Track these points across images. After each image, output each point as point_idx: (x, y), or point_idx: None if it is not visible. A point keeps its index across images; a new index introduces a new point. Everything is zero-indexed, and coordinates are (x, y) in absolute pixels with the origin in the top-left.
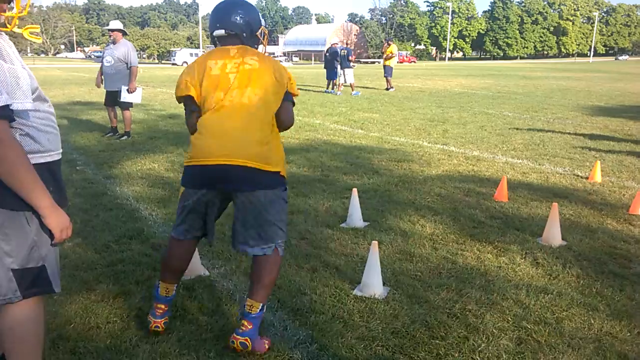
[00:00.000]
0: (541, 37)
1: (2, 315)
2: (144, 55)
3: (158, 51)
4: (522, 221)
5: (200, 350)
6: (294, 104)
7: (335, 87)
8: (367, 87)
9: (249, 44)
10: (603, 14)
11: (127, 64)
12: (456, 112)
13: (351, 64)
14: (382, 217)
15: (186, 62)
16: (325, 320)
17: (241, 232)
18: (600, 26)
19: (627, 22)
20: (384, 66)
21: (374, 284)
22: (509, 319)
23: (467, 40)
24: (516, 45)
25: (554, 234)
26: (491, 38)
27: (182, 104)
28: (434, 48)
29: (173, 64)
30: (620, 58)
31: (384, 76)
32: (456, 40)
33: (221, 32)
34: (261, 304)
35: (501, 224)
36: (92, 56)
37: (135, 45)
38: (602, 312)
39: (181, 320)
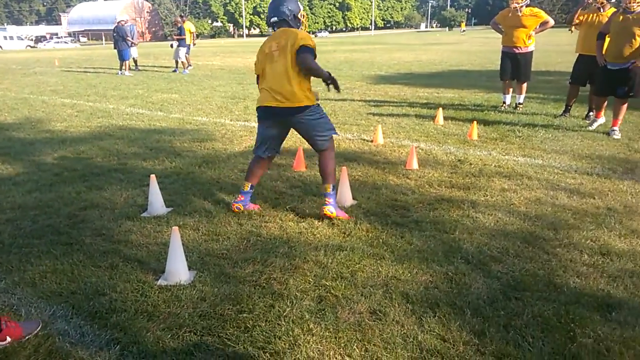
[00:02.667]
0: (329, 12)
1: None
2: None
3: None
4: (319, 187)
5: None
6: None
7: (124, 68)
8: (163, 67)
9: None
10: None
11: None
12: (256, 88)
13: (130, 42)
14: (186, 201)
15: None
16: (127, 318)
17: None
18: (377, 2)
19: None
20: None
21: (178, 270)
22: (310, 280)
23: (262, 16)
24: (308, 21)
25: (345, 195)
26: None
27: None
28: (231, 25)
29: None
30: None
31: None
32: (252, 16)
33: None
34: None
35: (300, 192)
36: None
37: None
38: (387, 259)
39: None
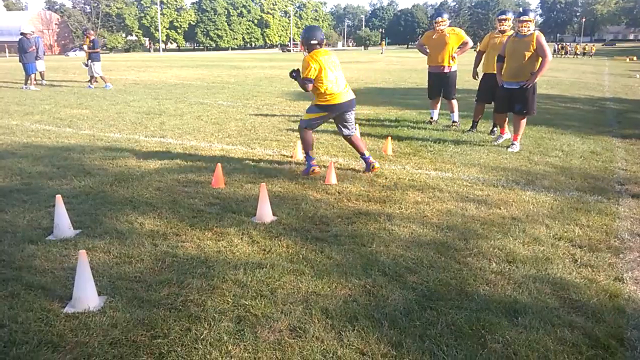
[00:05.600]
0: (248, 29)
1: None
2: None
3: None
4: (238, 204)
5: None
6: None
7: (29, 82)
8: (73, 81)
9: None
10: (297, 8)
11: None
12: (173, 103)
13: (36, 55)
14: (96, 222)
15: None
16: (30, 350)
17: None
18: (295, 19)
19: (316, 16)
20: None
21: (87, 296)
22: (229, 300)
23: (179, 31)
24: (226, 37)
25: (265, 212)
26: (202, 29)
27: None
28: (147, 39)
29: None
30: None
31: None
32: (168, 31)
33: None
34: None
35: (219, 210)
36: None
37: None
38: (307, 274)
39: None
